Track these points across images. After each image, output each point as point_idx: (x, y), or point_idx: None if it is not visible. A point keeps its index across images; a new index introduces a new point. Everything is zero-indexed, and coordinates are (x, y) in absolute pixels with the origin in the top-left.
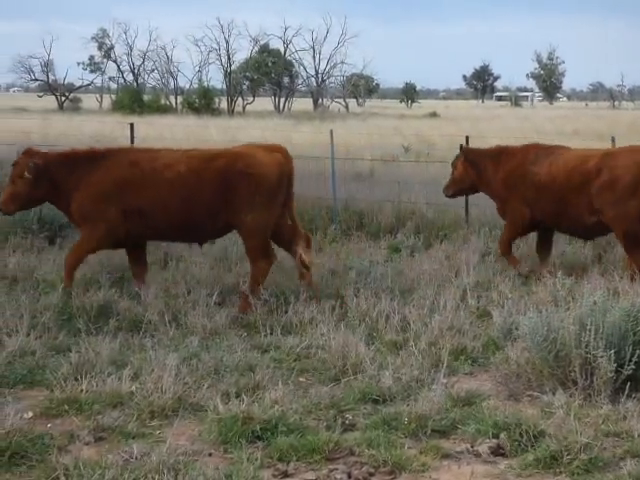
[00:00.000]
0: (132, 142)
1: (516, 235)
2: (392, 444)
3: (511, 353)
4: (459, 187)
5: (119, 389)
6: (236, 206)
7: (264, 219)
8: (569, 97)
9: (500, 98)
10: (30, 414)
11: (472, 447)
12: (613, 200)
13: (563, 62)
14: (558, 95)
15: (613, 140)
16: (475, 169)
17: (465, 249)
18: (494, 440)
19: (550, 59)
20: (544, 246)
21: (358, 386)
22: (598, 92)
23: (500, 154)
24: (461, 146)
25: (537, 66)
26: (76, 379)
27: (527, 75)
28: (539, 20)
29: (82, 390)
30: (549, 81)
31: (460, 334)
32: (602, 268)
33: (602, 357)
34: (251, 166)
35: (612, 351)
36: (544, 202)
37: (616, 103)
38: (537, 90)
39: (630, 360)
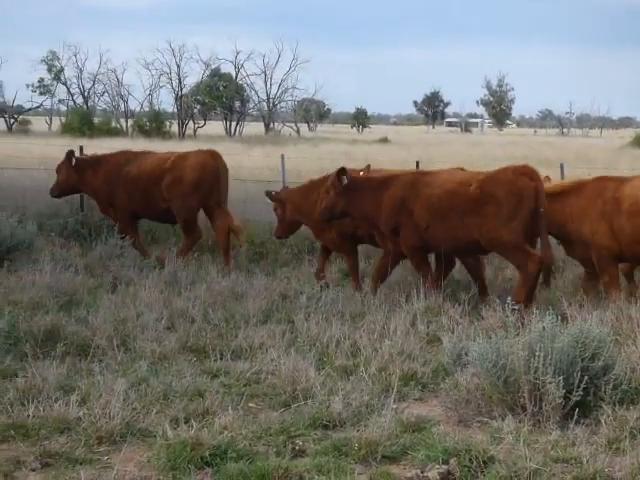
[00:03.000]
0: None
1: (130, 221)
2: (342, 470)
3: (461, 379)
4: (63, 188)
5: (66, 414)
6: None
7: None
8: (518, 124)
9: (450, 124)
10: None
11: (422, 473)
12: (180, 194)
13: (513, 89)
14: (507, 122)
15: (562, 167)
16: (79, 174)
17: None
18: (444, 466)
19: (500, 86)
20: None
21: (308, 412)
22: (547, 119)
23: (99, 161)
24: (72, 152)
25: (487, 93)
26: (22, 404)
27: (477, 102)
28: (490, 47)
29: (29, 415)
30: (499, 108)
31: (410, 359)
32: (551, 294)
33: (551, 383)
34: None
35: (561, 377)
36: (135, 194)
37: (564, 130)
38: (487, 116)
39: (578, 386)
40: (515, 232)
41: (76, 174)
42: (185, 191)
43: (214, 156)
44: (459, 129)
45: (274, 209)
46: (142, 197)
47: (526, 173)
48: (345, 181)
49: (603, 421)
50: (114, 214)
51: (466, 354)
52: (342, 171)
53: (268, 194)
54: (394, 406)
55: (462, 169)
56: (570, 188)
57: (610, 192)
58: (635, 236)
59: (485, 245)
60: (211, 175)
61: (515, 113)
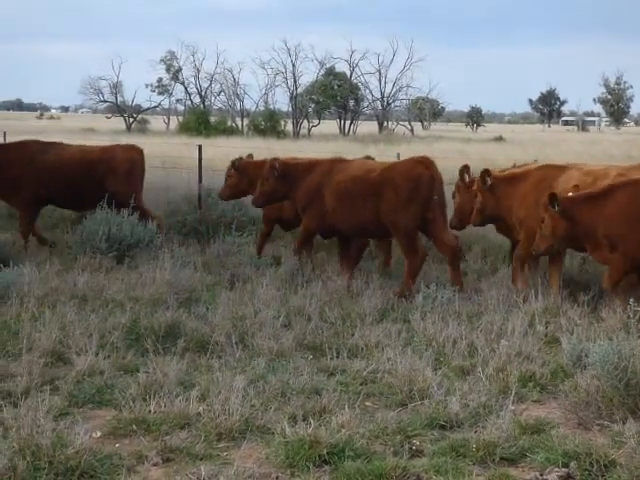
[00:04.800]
0: (200, 163)
1: (29, 214)
2: (460, 471)
3: (581, 381)
4: None
5: (187, 410)
6: None
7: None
8: (637, 122)
9: (567, 123)
10: (98, 434)
11: (541, 476)
12: (117, 183)
13: (631, 87)
14: (625, 120)
15: None
16: None
17: (533, 274)
18: (564, 469)
19: (618, 84)
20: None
21: (425, 411)
22: None
23: (8, 149)
24: None
25: (604, 91)
26: (144, 399)
27: (594, 100)
28: (607, 44)
29: (150, 410)
30: (617, 106)
31: (528, 360)
32: None
33: None
34: None
35: None
36: (56, 182)
37: None
38: (604, 115)
39: None
40: (411, 218)
41: None
42: (122, 181)
43: (137, 150)
44: (576, 128)
45: (228, 175)
46: (62, 185)
47: (423, 163)
48: (277, 168)
49: None
50: (15, 201)
51: (586, 356)
52: (275, 160)
53: (234, 162)
54: (512, 407)
55: (369, 157)
56: (520, 175)
57: (549, 180)
58: None
59: (387, 227)
60: (140, 167)
61: (633, 111)
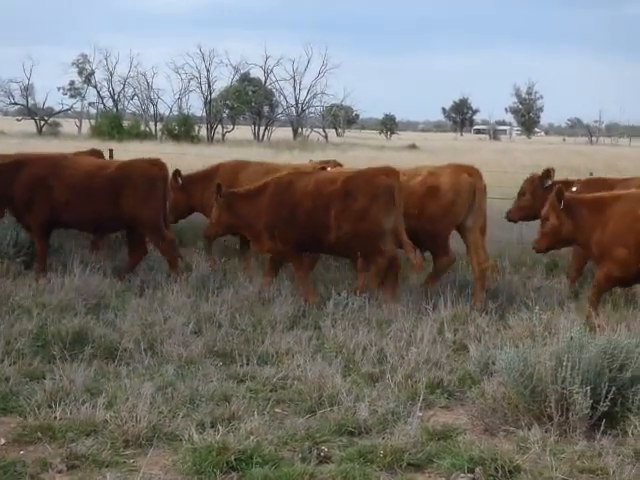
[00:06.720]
0: None
1: None
2: (367, 477)
3: (487, 387)
4: None
5: (93, 417)
6: None
7: None
8: (547, 132)
9: (479, 131)
10: (2, 441)
11: None
12: None
13: (542, 97)
14: (536, 130)
15: (591, 175)
16: None
17: (443, 281)
18: (469, 474)
19: (529, 94)
20: None
21: (334, 418)
22: (576, 128)
23: None
24: None
25: (516, 100)
26: (50, 406)
27: (506, 109)
28: (519, 54)
29: (56, 417)
30: (527, 115)
31: (436, 367)
32: (579, 304)
33: (578, 393)
34: None
35: (588, 387)
36: None
37: (593, 139)
38: (515, 124)
39: (606, 397)
40: (153, 212)
41: None
42: None
43: None
44: (487, 136)
45: None
46: None
47: (157, 164)
48: None
49: (630, 432)
50: None
51: (493, 363)
52: None
53: None
54: (420, 414)
55: (94, 150)
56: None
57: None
58: None
59: (130, 222)
60: None
61: (544, 121)
